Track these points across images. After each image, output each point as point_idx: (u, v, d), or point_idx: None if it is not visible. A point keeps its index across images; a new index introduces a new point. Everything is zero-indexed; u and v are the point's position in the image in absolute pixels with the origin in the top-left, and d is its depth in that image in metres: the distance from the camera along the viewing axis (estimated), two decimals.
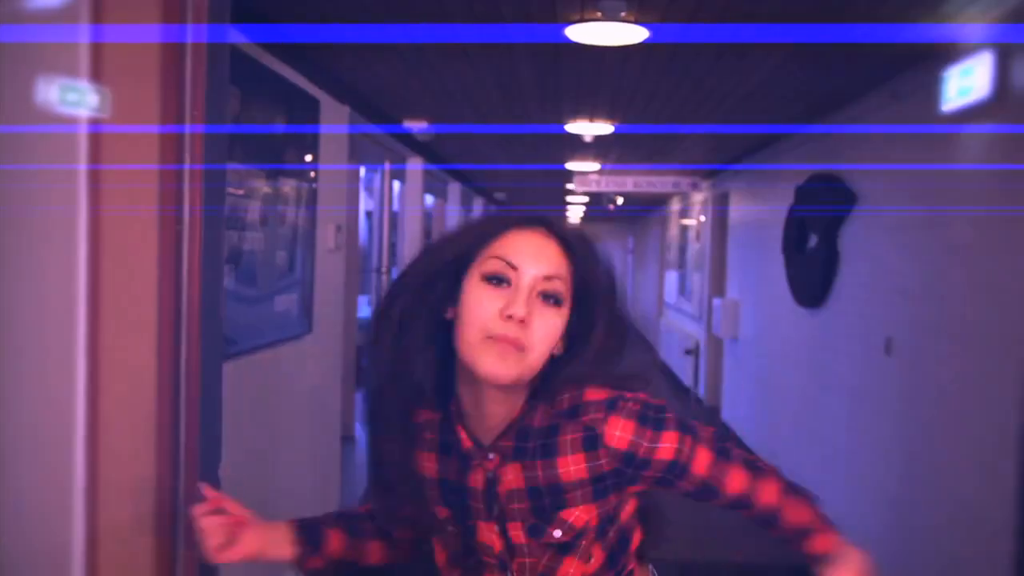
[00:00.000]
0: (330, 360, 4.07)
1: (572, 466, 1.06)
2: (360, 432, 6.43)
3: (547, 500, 1.07)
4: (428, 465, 1.12)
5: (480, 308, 1.01)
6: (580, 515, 1.08)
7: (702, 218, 8.73)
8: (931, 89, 3.21)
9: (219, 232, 1.55)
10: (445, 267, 1.05)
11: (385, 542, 1.25)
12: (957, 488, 3.06)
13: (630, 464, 1.06)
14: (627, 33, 3.01)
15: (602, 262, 1.09)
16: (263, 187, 3.11)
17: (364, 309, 7.49)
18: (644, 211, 13.77)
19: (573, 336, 1.06)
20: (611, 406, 1.07)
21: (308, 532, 1.20)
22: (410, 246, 6.60)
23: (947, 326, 3.16)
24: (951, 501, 3.10)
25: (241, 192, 2.92)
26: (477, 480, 1.10)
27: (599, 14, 2.86)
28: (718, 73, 3.70)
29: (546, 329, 1.02)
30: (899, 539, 3.55)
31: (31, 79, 1.30)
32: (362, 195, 6.98)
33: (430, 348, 1.06)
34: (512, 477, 1.08)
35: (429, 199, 8.11)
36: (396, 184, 6.63)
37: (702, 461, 1.09)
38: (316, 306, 3.72)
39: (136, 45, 1.39)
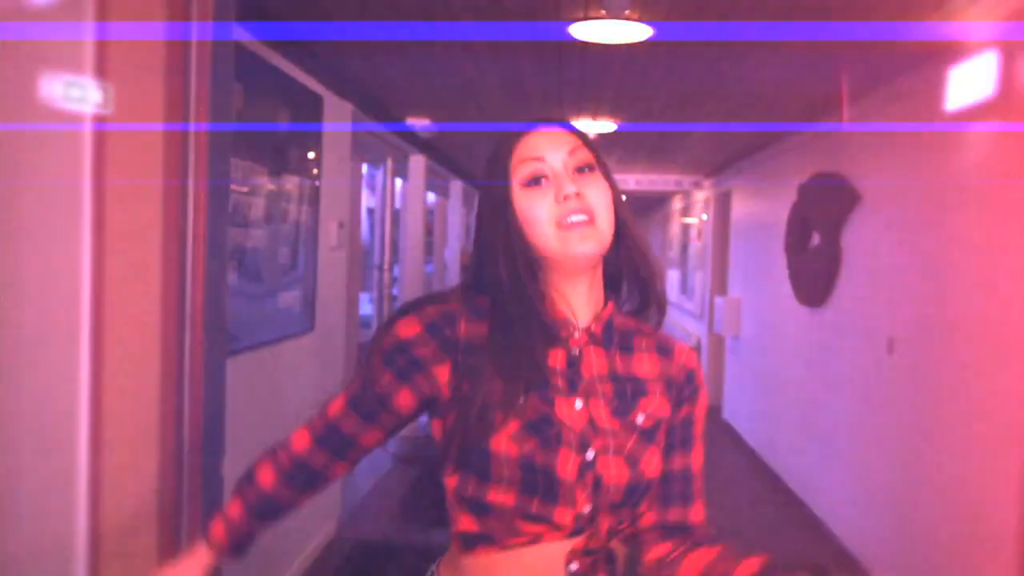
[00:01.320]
0: (332, 357, 4.07)
1: (647, 364, 1.15)
2: None
3: (628, 387, 1.12)
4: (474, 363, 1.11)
5: (538, 208, 1.08)
6: (659, 406, 1.13)
7: (704, 216, 8.73)
8: (935, 88, 3.21)
9: (223, 229, 1.55)
10: (503, 199, 1.11)
11: (309, 487, 1.19)
12: (959, 487, 3.06)
13: (689, 382, 1.17)
14: (631, 31, 3.01)
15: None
16: (266, 184, 3.12)
17: (366, 306, 7.49)
18: (646, 209, 13.76)
19: (622, 207, 1.15)
20: (678, 341, 1.20)
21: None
22: (412, 244, 6.60)
23: (950, 325, 3.16)
24: (953, 500, 3.10)
25: (245, 189, 2.92)
26: (557, 359, 1.10)
27: (603, 12, 2.86)
28: (721, 71, 3.70)
29: (599, 192, 1.10)
30: (900, 538, 3.56)
31: (36, 76, 1.31)
32: (364, 192, 6.99)
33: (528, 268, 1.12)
34: (596, 361, 1.12)
35: (431, 197, 8.11)
36: (398, 181, 6.63)
37: (701, 452, 1.19)
38: (319, 303, 3.73)
39: (141, 42, 1.39)
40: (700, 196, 8.91)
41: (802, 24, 2.85)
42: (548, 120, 1.21)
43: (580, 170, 1.11)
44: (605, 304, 1.15)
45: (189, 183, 1.44)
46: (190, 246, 1.45)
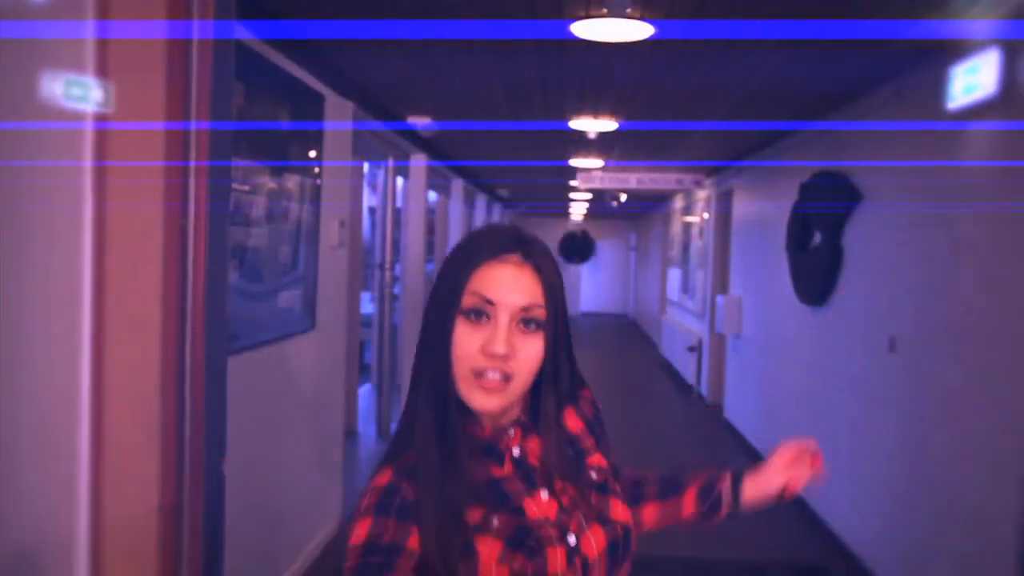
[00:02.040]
0: (333, 356, 4.07)
1: (571, 420, 1.19)
2: (363, 427, 6.43)
3: (571, 451, 1.15)
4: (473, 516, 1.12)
5: (464, 345, 1.05)
6: (598, 458, 1.18)
7: (705, 215, 8.72)
8: (937, 86, 3.21)
9: (224, 228, 1.55)
10: (446, 313, 1.08)
11: None
12: (961, 486, 3.06)
13: (594, 407, 1.24)
14: (632, 29, 3.01)
15: (559, 274, 1.15)
16: (267, 183, 3.11)
17: (367, 305, 7.50)
18: (647, 208, 13.76)
19: (553, 359, 1.12)
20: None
21: None
22: (413, 242, 6.60)
23: (952, 324, 3.16)
24: (955, 499, 3.10)
25: (246, 188, 2.92)
26: (503, 469, 1.11)
27: (604, 10, 2.85)
28: (723, 69, 3.70)
29: (529, 354, 1.07)
30: (902, 537, 3.55)
31: (37, 75, 1.31)
32: (365, 191, 6.99)
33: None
34: (536, 446, 1.14)
35: (432, 195, 8.11)
36: (399, 180, 6.63)
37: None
38: (319, 302, 3.72)
39: (141, 41, 1.39)
40: (701, 195, 8.91)
41: (803, 22, 2.85)
42: (561, 120, 1.18)
43: (526, 324, 1.06)
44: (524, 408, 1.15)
45: (190, 181, 1.43)
46: (191, 245, 1.45)
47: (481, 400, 1.06)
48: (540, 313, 1.07)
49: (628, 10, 2.84)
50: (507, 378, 1.05)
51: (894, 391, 3.68)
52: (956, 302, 3.13)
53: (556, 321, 1.10)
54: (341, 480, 4.28)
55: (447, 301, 1.08)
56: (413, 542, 1.03)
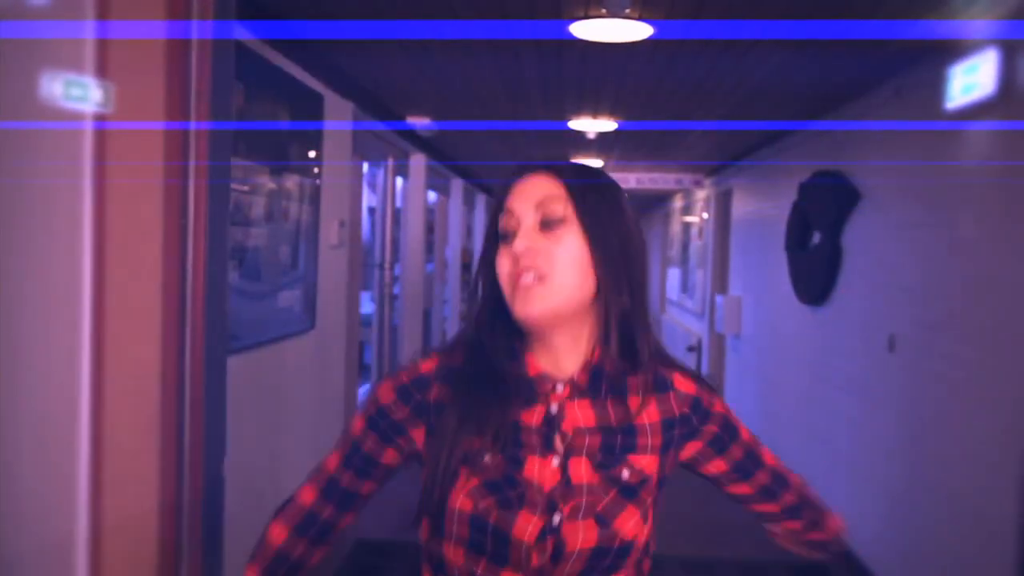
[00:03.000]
0: (333, 356, 4.07)
1: (644, 407, 1.08)
2: None
3: (618, 439, 1.06)
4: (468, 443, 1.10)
5: (502, 264, 1.05)
6: (648, 463, 1.07)
7: (705, 215, 8.73)
8: (935, 86, 3.21)
9: (223, 228, 1.55)
10: (489, 241, 1.10)
11: (320, 540, 1.18)
12: (960, 486, 3.06)
13: (696, 410, 1.11)
14: (631, 30, 3.01)
15: (609, 186, 1.10)
16: (267, 183, 3.11)
17: (367, 305, 7.50)
18: (647, 208, 13.76)
19: (602, 264, 1.06)
20: (674, 366, 1.13)
21: None
22: (413, 242, 6.60)
23: (951, 323, 3.16)
24: (954, 499, 3.10)
25: (245, 188, 2.92)
26: (533, 416, 1.06)
27: (604, 11, 2.85)
28: (722, 70, 3.70)
29: (560, 250, 1.03)
30: (901, 537, 3.55)
31: (36, 75, 1.31)
32: (365, 191, 6.98)
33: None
34: (582, 414, 1.07)
35: (432, 195, 8.10)
36: (399, 180, 6.63)
37: (746, 429, 1.19)
38: (319, 302, 3.72)
39: (141, 41, 1.39)
40: (701, 195, 8.91)
41: (802, 22, 2.85)
42: (560, 120, 1.19)
43: (545, 224, 1.04)
44: (594, 351, 1.08)
45: (190, 182, 1.43)
46: (191, 245, 1.45)
47: (520, 305, 1.02)
48: (558, 207, 1.04)
49: (627, 10, 2.84)
50: (540, 278, 1.02)
51: (894, 390, 3.68)
52: (955, 301, 3.13)
53: (592, 221, 1.04)
54: None
55: (489, 232, 1.10)
56: (417, 436, 1.08)
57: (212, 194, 1.47)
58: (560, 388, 1.07)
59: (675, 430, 1.10)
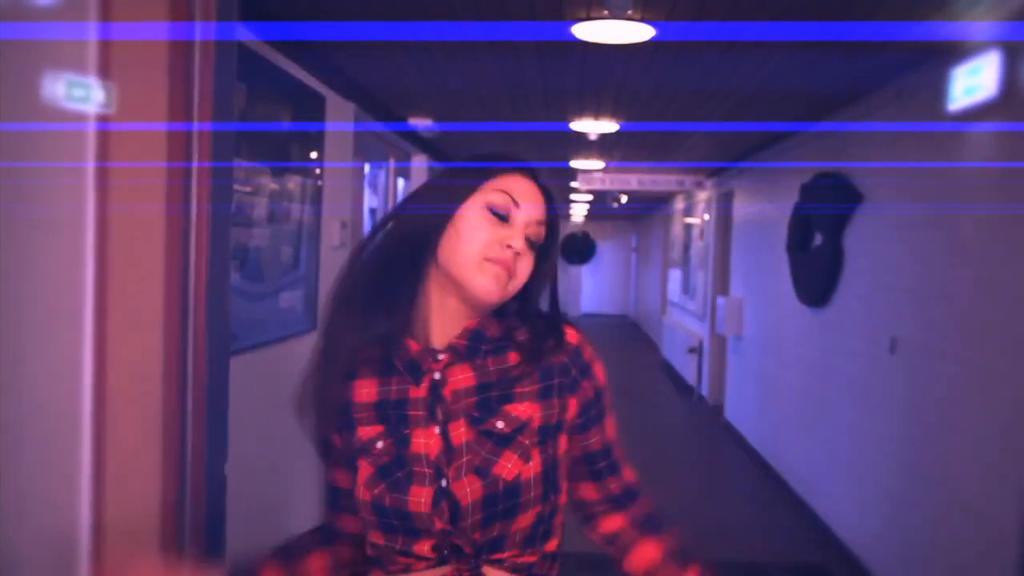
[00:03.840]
0: None
1: (527, 360, 1.16)
2: None
3: (495, 392, 1.13)
4: (366, 391, 1.16)
5: (482, 232, 1.12)
6: (524, 409, 1.13)
7: (706, 216, 8.72)
8: (937, 87, 3.21)
9: (226, 229, 1.55)
10: (452, 194, 1.16)
11: (329, 552, 1.23)
12: (961, 488, 3.06)
13: (576, 361, 1.17)
14: (633, 31, 3.01)
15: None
16: (269, 184, 3.12)
17: None
18: (648, 209, 13.76)
19: (535, 280, 1.20)
20: (567, 323, 1.21)
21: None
22: None
23: (952, 325, 3.16)
24: (955, 501, 3.10)
25: (248, 189, 2.92)
26: (420, 390, 1.13)
27: (605, 12, 2.86)
28: (723, 71, 3.70)
29: (527, 265, 1.15)
30: (902, 538, 3.55)
31: (39, 75, 1.31)
32: (367, 192, 6.98)
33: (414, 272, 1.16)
34: (461, 376, 1.14)
35: None
36: (401, 181, 6.63)
37: (613, 421, 1.23)
38: (321, 303, 3.73)
39: (144, 42, 1.39)
40: (702, 196, 8.91)
41: (803, 24, 2.85)
42: (562, 122, 1.24)
43: (532, 241, 1.16)
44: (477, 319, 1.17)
45: (192, 182, 1.44)
46: (193, 245, 1.45)
47: (486, 284, 1.11)
48: (541, 234, 1.18)
49: (629, 12, 2.84)
50: (512, 276, 1.13)
51: (894, 392, 3.68)
52: (957, 303, 3.13)
53: (549, 251, 1.19)
54: None
55: (467, 188, 1.15)
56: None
57: (214, 195, 1.47)
58: (441, 356, 1.15)
59: (555, 379, 1.16)
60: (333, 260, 3.92)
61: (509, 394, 1.13)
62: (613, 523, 1.24)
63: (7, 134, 1.27)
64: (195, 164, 1.43)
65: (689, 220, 10.02)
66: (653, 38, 3.09)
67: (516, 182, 1.17)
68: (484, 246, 1.11)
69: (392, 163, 5.94)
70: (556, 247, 1.22)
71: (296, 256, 3.45)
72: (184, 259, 1.45)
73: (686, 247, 10.19)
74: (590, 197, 11.38)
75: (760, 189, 6.48)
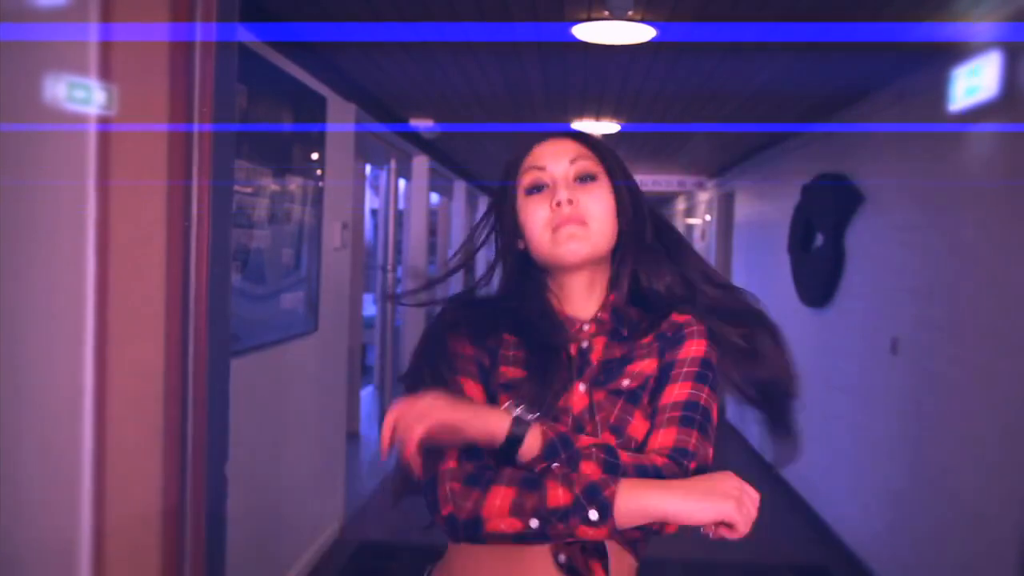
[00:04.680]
0: (335, 357, 4.08)
1: (641, 330, 1.18)
2: (365, 430, 6.44)
3: (618, 352, 1.17)
4: (512, 341, 1.16)
5: (535, 213, 1.15)
6: (646, 365, 1.16)
7: (707, 217, 8.72)
8: (938, 88, 3.21)
9: (226, 230, 1.55)
10: (507, 204, 1.20)
11: None
12: (962, 488, 3.06)
13: (677, 332, 1.17)
14: (634, 32, 3.01)
15: (616, 152, 1.23)
16: (270, 185, 3.12)
17: (369, 307, 7.50)
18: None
19: (625, 215, 1.19)
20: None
21: None
22: (415, 244, 6.61)
23: (954, 326, 3.15)
24: (956, 501, 3.10)
25: (248, 190, 2.92)
26: (565, 353, 1.15)
27: (607, 13, 2.86)
28: (724, 72, 3.70)
29: (596, 201, 1.16)
30: (903, 539, 3.55)
31: (40, 77, 1.31)
32: (368, 193, 6.99)
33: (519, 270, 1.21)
34: (601, 346, 1.17)
35: (435, 197, 8.11)
36: (402, 182, 6.63)
37: (688, 390, 1.19)
38: (322, 304, 3.73)
39: (145, 43, 1.40)
40: (703, 197, 8.91)
41: (805, 25, 2.85)
42: (563, 122, 1.23)
43: (580, 179, 1.16)
44: (609, 295, 1.20)
45: (193, 184, 1.44)
46: (194, 246, 1.45)
47: (564, 244, 1.13)
48: (590, 164, 1.17)
49: (630, 13, 2.84)
50: (582, 223, 1.13)
51: (896, 392, 3.67)
52: (958, 304, 3.13)
53: (617, 175, 1.19)
54: (343, 482, 4.28)
55: (509, 190, 1.20)
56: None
57: (215, 196, 1.47)
58: (587, 327, 1.18)
59: (660, 345, 1.17)
60: (334, 261, 3.92)
61: (632, 354, 1.16)
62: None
63: (8, 135, 1.28)
64: (196, 165, 1.44)
65: (691, 221, 10.02)
66: (654, 39, 3.09)
67: (537, 152, 1.19)
68: (542, 222, 1.14)
69: (393, 164, 5.94)
70: (620, 167, 1.20)
71: (297, 257, 3.45)
72: (185, 260, 1.45)
73: None
74: None
75: (762, 190, 6.48)
